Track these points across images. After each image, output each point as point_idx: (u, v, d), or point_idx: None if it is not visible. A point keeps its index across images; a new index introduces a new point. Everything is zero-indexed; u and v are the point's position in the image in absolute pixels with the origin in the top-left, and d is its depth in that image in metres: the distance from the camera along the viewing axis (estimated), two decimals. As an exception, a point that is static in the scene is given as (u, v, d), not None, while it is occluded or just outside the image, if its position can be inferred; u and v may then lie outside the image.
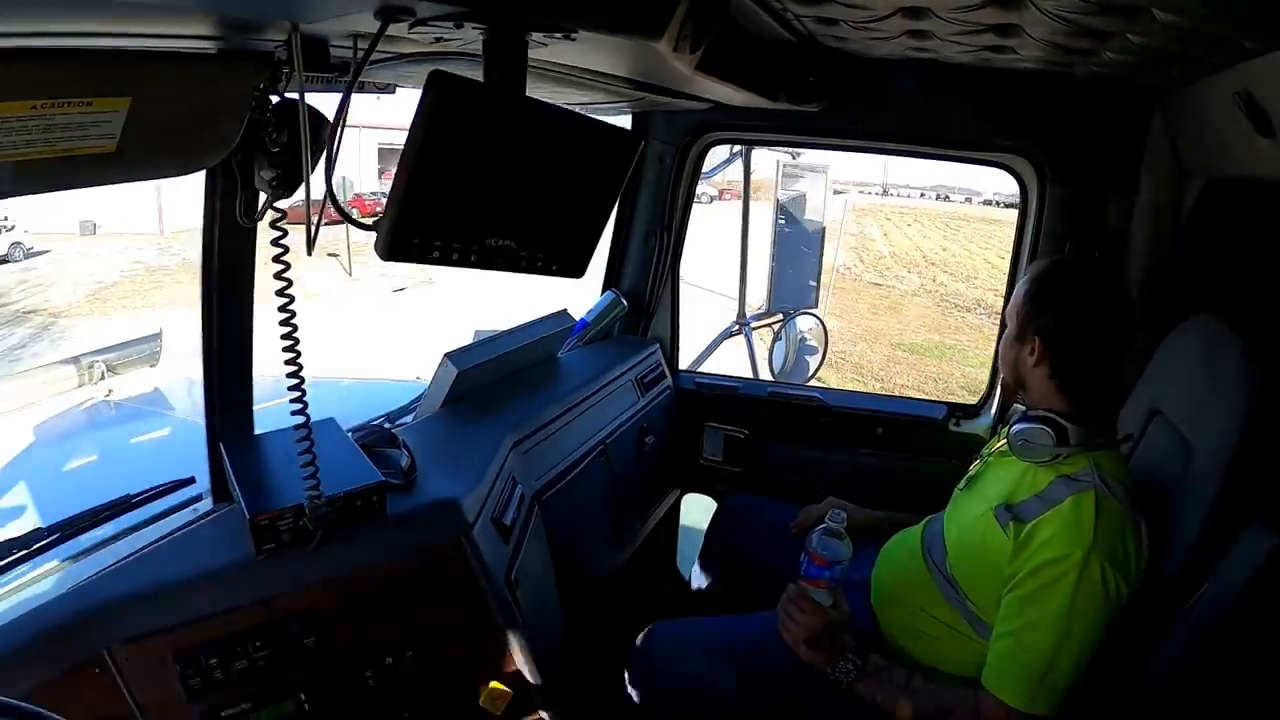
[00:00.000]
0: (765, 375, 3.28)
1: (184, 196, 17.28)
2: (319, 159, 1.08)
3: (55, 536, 1.34)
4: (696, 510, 2.84)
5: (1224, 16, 1.09)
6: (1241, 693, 1.30)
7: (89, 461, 2.47)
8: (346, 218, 1.07)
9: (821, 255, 3.71)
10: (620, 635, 1.83)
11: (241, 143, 1.14)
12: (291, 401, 1.20)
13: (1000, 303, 2.38)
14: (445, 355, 1.94)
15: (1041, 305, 1.50)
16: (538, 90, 1.09)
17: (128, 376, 3.03)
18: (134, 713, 1.18)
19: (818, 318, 3.39)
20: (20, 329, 13.97)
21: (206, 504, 1.51)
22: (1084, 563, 1.33)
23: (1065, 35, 1.34)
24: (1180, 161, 1.88)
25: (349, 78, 1.03)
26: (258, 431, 1.52)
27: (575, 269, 1.22)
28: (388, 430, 1.67)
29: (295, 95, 1.05)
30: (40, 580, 1.33)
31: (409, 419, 1.97)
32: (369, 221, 0.99)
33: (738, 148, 3.17)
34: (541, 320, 2.31)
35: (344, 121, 1.04)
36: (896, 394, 8.92)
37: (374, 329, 12.29)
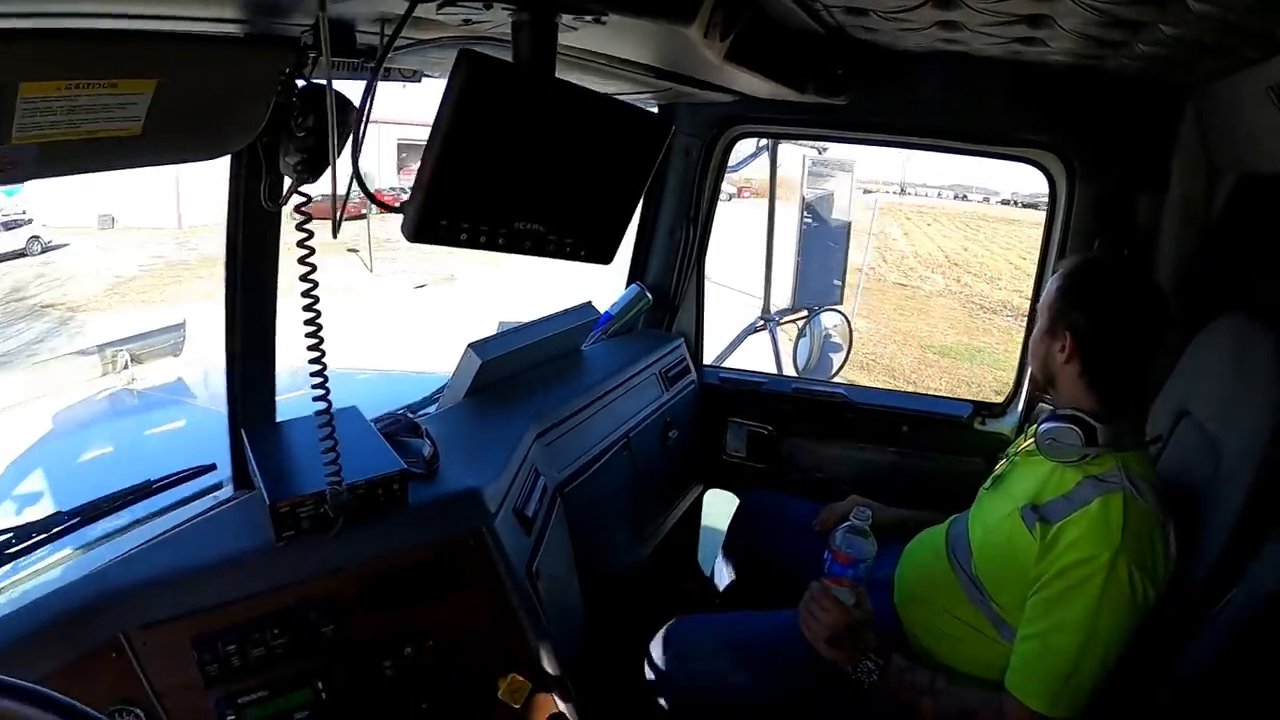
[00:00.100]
0: (789, 371, 3.27)
1: (202, 190, 17.49)
2: (344, 143, 1.07)
3: (75, 520, 1.34)
4: (719, 506, 2.84)
5: (1259, 7, 1.06)
6: (1271, 699, 1.27)
7: (110, 449, 2.49)
8: (373, 199, 1.06)
9: (847, 253, 3.69)
10: (641, 630, 1.82)
11: (267, 127, 1.14)
12: (313, 387, 1.20)
13: (1026, 305, 2.35)
14: (469, 345, 1.94)
15: (1074, 301, 1.47)
16: (564, 78, 1.08)
17: (151, 366, 3.06)
18: (151, 698, 1.18)
19: (842, 314, 3.38)
20: (38, 323, 14.03)
21: (227, 490, 1.51)
22: (1111, 565, 1.31)
23: (1097, 26, 1.32)
24: (1211, 157, 1.85)
25: (375, 63, 1.02)
26: (279, 419, 1.52)
27: (604, 255, 1.20)
28: (411, 419, 1.67)
29: (320, 80, 1.05)
30: (60, 564, 1.34)
31: (431, 409, 1.97)
32: (395, 205, 0.98)
33: (764, 142, 3.16)
34: (566, 313, 2.31)
35: (371, 104, 1.04)
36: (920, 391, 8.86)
37: (396, 325, 12.31)
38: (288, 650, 1.27)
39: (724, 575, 2.26)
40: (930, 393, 8.76)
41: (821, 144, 3.39)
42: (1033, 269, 2.42)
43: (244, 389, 1.46)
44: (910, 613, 1.67)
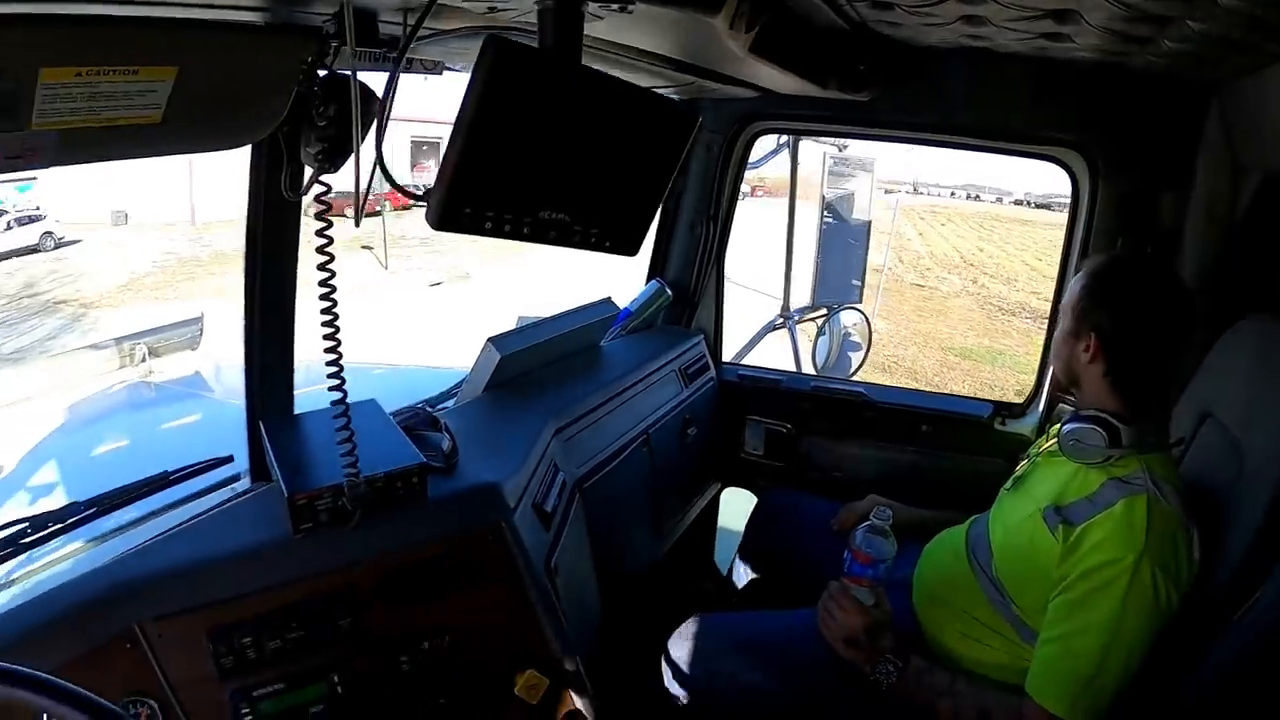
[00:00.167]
0: (809, 369, 3.26)
1: (216, 185, 17.55)
2: (367, 133, 1.07)
3: (92, 511, 1.34)
4: (736, 504, 2.82)
5: None
6: None
7: (126, 441, 2.50)
8: (396, 187, 1.05)
9: (866, 252, 3.68)
10: (658, 627, 1.81)
11: (288, 116, 1.13)
12: (329, 378, 1.19)
13: (1045, 307, 2.33)
14: (488, 340, 1.94)
15: (1098, 301, 1.45)
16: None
17: (169, 359, 3.08)
18: (165, 690, 1.18)
19: (862, 313, 3.38)
20: (50, 320, 14.05)
21: (244, 483, 1.51)
22: (1135, 568, 1.29)
23: (1123, 21, 1.30)
24: (1236, 155, 1.83)
25: (397, 53, 1.01)
26: (297, 412, 1.51)
27: (629, 246, 1.19)
28: (430, 413, 1.67)
29: (343, 71, 1.04)
30: (75, 554, 1.34)
31: (450, 403, 1.97)
32: (418, 193, 0.98)
33: (783, 140, 3.14)
34: (585, 308, 2.30)
35: (393, 94, 1.03)
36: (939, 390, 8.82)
37: (412, 323, 12.32)
38: (304, 643, 1.26)
39: (741, 574, 2.24)
40: (950, 392, 8.70)
41: (841, 142, 3.37)
42: (1049, 271, 2.40)
43: (262, 380, 1.45)
44: (929, 614, 1.65)
